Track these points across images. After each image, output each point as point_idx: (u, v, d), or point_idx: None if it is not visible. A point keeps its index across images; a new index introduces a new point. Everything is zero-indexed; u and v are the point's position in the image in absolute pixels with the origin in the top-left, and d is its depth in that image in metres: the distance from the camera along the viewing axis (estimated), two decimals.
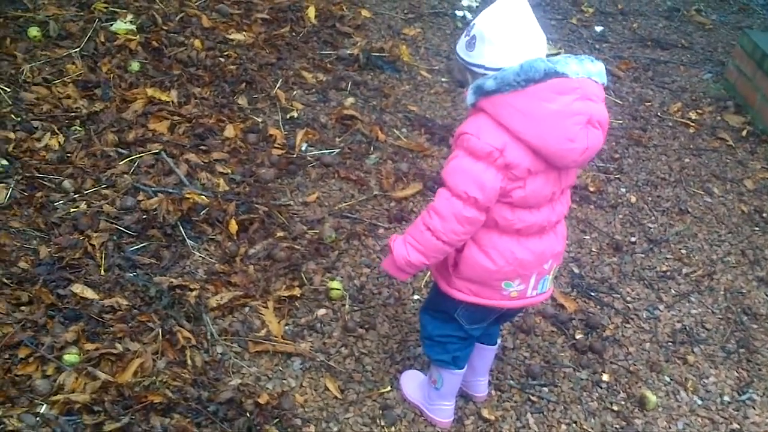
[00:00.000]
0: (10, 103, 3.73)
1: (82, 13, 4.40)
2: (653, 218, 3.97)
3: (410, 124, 4.33)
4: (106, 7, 4.45)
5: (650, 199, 4.10)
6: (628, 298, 3.48)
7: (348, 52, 4.78)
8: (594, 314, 3.35)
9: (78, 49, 4.14)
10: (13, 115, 3.67)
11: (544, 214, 2.28)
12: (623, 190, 4.14)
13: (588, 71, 2.09)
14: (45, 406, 2.54)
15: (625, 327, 3.34)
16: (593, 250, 3.72)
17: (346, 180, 3.85)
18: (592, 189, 4.07)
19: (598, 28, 5.74)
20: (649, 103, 4.93)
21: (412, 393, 2.87)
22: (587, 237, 3.79)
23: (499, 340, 2.83)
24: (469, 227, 2.22)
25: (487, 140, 2.11)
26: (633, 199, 4.07)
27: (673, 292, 3.55)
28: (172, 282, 3.09)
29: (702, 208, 4.08)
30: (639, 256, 3.72)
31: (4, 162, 3.41)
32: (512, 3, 2.12)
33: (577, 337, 3.24)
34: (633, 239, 3.81)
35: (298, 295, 3.18)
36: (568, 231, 3.70)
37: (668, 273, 3.64)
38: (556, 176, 2.23)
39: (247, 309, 3.10)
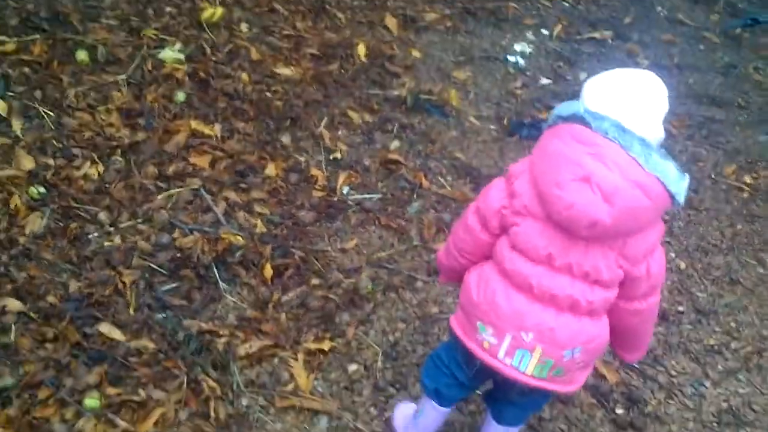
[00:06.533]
0: (53, 128, 3.68)
1: (131, 39, 4.34)
2: (702, 287, 3.81)
3: (455, 172, 4.21)
4: (155, 35, 4.39)
5: (700, 266, 3.94)
6: (673, 372, 3.33)
7: (396, 93, 4.68)
8: (636, 387, 3.21)
9: (125, 75, 4.09)
10: (54, 141, 3.62)
11: (538, 272, 2.11)
12: (672, 254, 3.98)
13: (631, 146, 1.91)
14: None
15: (668, 403, 3.19)
16: None
17: (386, 228, 3.74)
18: None
19: None
20: (702, 164, 4.76)
21: (397, 420, 2.83)
22: None
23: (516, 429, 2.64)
24: (465, 236, 2.28)
25: (515, 165, 2.15)
26: (682, 266, 3.91)
27: (720, 368, 3.40)
28: (201, 326, 3.00)
29: (754, 279, 3.92)
30: (686, 327, 3.56)
31: (42, 189, 3.36)
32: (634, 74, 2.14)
33: (618, 411, 3.10)
34: (681, 308, 3.66)
35: (328, 349, 3.07)
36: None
37: (716, 347, 3.49)
38: (560, 236, 2.06)
39: (276, 360, 3.00)
